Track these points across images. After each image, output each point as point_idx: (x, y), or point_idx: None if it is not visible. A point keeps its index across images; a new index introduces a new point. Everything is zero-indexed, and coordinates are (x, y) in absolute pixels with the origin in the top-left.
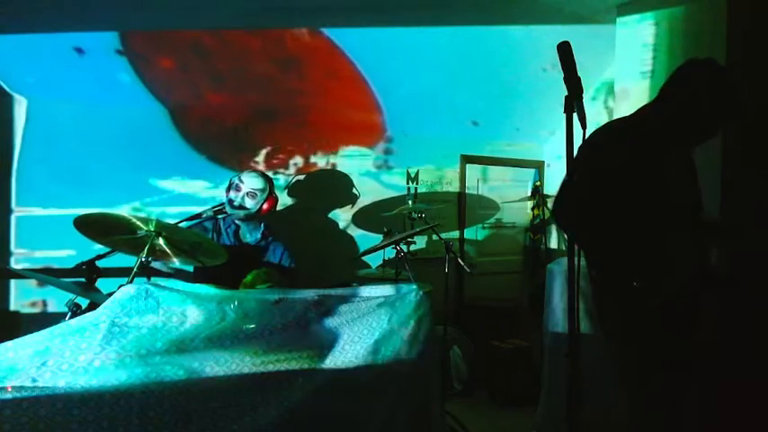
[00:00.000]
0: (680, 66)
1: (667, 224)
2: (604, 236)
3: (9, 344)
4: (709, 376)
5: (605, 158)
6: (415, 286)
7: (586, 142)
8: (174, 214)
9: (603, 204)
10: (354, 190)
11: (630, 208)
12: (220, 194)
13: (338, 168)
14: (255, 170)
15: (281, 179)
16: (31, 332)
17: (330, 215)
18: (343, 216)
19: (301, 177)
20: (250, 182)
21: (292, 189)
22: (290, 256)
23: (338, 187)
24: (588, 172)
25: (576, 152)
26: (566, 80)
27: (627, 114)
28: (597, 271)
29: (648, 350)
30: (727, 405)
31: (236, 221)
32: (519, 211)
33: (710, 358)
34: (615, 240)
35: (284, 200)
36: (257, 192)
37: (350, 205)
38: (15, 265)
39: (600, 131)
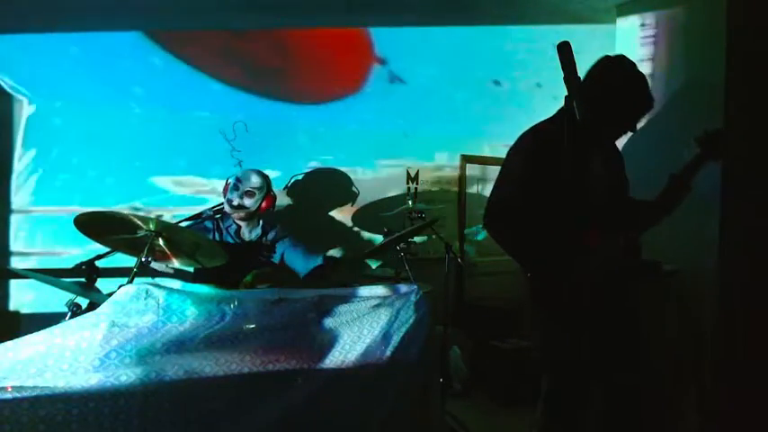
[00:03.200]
0: (594, 64)
1: (586, 216)
2: (530, 239)
3: (9, 344)
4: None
5: (527, 161)
6: (414, 286)
7: (512, 147)
8: (173, 214)
9: (528, 208)
10: (353, 188)
11: (552, 206)
12: (220, 193)
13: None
14: (253, 169)
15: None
16: (31, 332)
17: (330, 214)
18: (343, 215)
19: (299, 177)
20: (248, 180)
21: (291, 189)
22: (291, 255)
23: (336, 185)
24: (512, 177)
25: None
26: (566, 80)
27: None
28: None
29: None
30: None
31: (237, 221)
32: None
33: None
34: (539, 242)
35: (283, 200)
36: (255, 190)
37: (350, 204)
38: (15, 265)
39: (523, 135)
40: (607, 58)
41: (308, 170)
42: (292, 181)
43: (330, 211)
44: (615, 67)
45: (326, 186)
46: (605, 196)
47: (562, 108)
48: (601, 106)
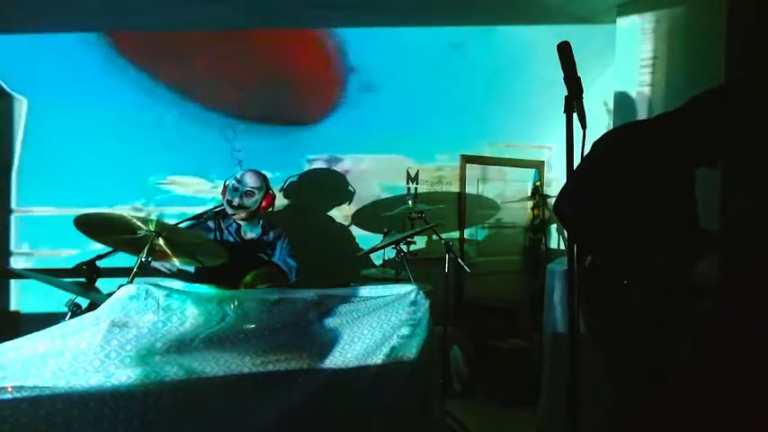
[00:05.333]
0: (708, 90)
1: (663, 232)
2: (605, 231)
3: (9, 344)
4: (709, 379)
5: (614, 158)
6: (414, 286)
7: (600, 141)
8: (174, 214)
9: (607, 200)
10: (350, 187)
11: (633, 208)
12: (220, 194)
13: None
14: (251, 169)
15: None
16: (31, 332)
17: (328, 214)
18: (341, 215)
19: (294, 178)
20: (247, 181)
21: (287, 190)
22: (291, 255)
23: (332, 185)
24: (597, 168)
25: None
26: (566, 80)
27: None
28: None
29: (629, 349)
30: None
31: (237, 221)
32: (519, 211)
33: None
34: (615, 236)
35: (281, 201)
36: (255, 190)
37: (347, 203)
38: (15, 265)
39: (614, 132)
40: (720, 89)
41: (303, 171)
42: (288, 182)
43: (327, 210)
44: (722, 102)
45: (322, 186)
46: (679, 218)
47: (660, 115)
48: (695, 136)
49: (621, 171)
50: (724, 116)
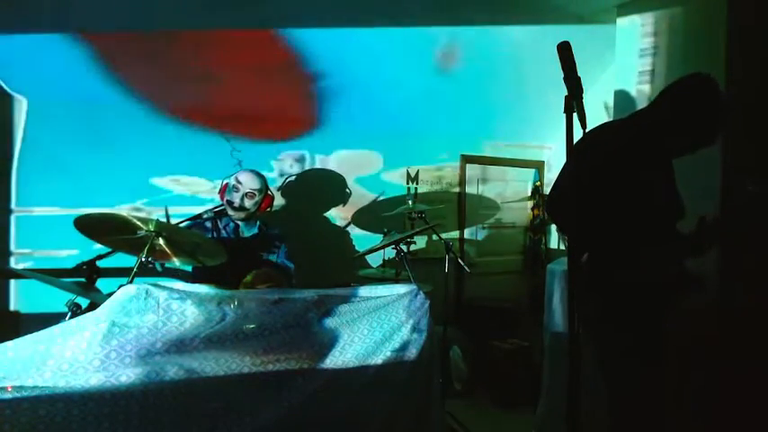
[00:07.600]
0: (680, 78)
1: (647, 227)
2: (593, 229)
3: (9, 344)
4: (709, 374)
5: (598, 155)
6: (414, 286)
7: (582, 139)
8: (174, 214)
9: (594, 199)
10: (347, 188)
11: (617, 206)
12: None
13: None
14: (251, 169)
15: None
16: (31, 332)
17: (328, 215)
18: (341, 215)
19: (292, 178)
20: (247, 182)
21: (285, 190)
22: (288, 256)
23: (330, 186)
24: (582, 167)
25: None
26: (566, 80)
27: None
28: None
29: (620, 338)
30: (727, 402)
31: (235, 220)
32: (519, 211)
33: (707, 356)
34: (601, 234)
35: (278, 200)
36: (255, 191)
37: (342, 204)
38: (15, 265)
39: (595, 130)
40: (692, 76)
41: (302, 171)
42: (286, 182)
43: (325, 211)
44: (694, 88)
45: (320, 187)
46: (660, 213)
47: (637, 111)
48: (670, 123)
49: (605, 170)
50: (694, 103)
